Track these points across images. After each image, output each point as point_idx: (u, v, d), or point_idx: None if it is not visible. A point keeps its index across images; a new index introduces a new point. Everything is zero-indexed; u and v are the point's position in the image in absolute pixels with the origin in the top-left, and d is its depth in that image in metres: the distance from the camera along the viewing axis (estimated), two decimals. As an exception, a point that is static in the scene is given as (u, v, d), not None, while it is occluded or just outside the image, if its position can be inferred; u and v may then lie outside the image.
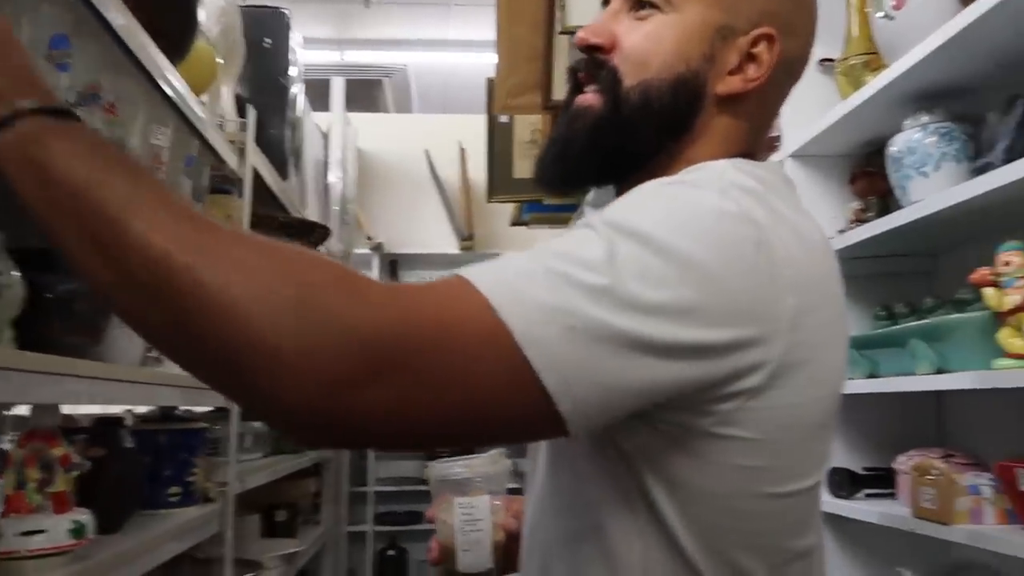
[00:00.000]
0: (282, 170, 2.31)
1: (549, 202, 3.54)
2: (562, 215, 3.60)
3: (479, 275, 0.55)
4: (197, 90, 1.44)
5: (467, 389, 0.53)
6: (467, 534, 0.90)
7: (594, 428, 0.56)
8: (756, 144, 0.74)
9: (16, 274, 0.89)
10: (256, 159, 1.97)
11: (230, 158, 1.72)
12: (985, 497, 1.22)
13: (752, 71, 0.70)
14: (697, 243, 0.56)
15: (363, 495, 4.13)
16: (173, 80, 1.27)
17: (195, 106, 1.39)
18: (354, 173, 4.25)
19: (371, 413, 0.51)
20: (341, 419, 0.51)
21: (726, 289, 0.55)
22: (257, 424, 2.40)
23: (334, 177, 3.74)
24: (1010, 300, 1.19)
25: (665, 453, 0.60)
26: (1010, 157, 1.23)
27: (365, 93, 5.43)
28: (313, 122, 3.47)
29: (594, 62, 0.71)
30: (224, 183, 1.78)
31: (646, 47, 0.69)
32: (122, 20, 1.07)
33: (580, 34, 0.71)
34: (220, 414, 1.88)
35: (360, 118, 4.49)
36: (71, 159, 0.52)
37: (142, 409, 1.69)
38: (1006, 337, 1.20)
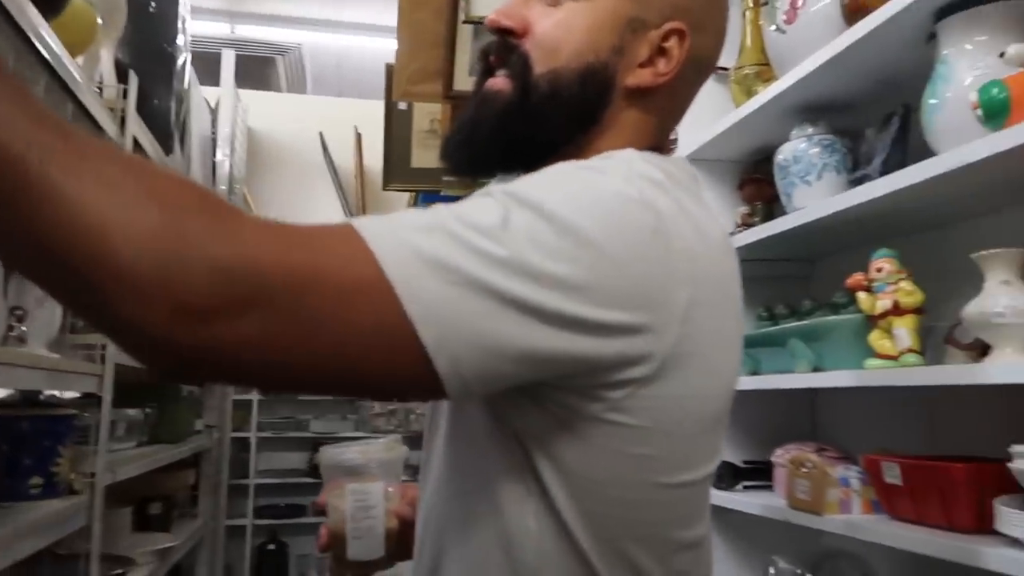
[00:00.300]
0: (166, 144, 2.18)
1: (446, 193, 3.52)
2: (458, 207, 3.59)
3: (366, 224, 0.53)
4: (73, 51, 1.34)
5: (339, 334, 0.51)
6: (359, 521, 0.88)
7: (472, 392, 0.55)
8: (663, 139, 0.76)
9: None
10: (137, 129, 1.85)
11: (108, 126, 1.61)
12: (854, 489, 1.30)
13: (662, 65, 0.71)
14: (595, 223, 0.55)
15: (243, 488, 4.00)
16: (47, 37, 1.17)
17: (71, 67, 1.29)
18: (243, 152, 4.09)
19: (233, 347, 0.49)
20: (201, 350, 0.48)
21: (619, 272, 0.55)
22: (131, 412, 2.27)
23: (222, 155, 3.58)
24: (881, 304, 1.27)
25: (554, 435, 0.60)
26: (885, 170, 1.31)
27: (257, 71, 5.22)
28: (201, 96, 3.30)
29: (505, 46, 0.71)
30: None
31: (557, 35, 0.69)
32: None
33: (492, 16, 0.71)
34: (89, 400, 1.77)
35: (251, 96, 4.32)
36: None
37: (1, 393, 1.56)
38: (876, 339, 1.28)
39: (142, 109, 1.92)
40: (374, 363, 0.53)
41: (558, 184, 0.59)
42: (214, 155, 3.56)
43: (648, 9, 0.70)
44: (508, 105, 0.70)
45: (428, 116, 3.36)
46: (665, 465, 0.62)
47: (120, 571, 2.01)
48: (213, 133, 3.60)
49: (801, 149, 1.53)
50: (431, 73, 2.93)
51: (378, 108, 3.42)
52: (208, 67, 3.69)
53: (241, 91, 4.07)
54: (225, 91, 3.74)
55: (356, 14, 4.94)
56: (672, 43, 0.70)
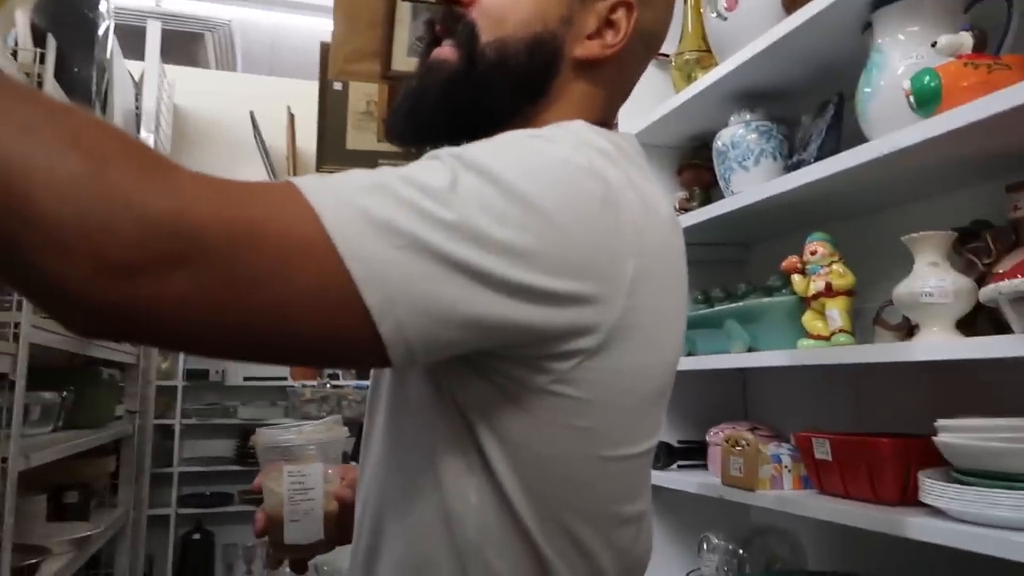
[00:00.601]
0: (87, 115, 2.08)
1: (382, 175, 3.46)
2: (395, 190, 3.54)
3: (308, 183, 0.51)
4: None
5: (277, 295, 0.48)
6: (297, 504, 0.86)
7: (417, 358, 0.53)
8: (611, 114, 0.75)
9: None
10: (55, 96, 1.76)
11: (25, 92, 1.52)
12: (785, 465, 1.33)
13: (610, 37, 0.70)
14: (544, 190, 0.55)
15: (167, 476, 3.87)
16: None
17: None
18: (169, 129, 3.94)
19: (162, 306, 0.46)
20: (126, 308, 0.45)
21: (568, 241, 0.55)
22: (47, 395, 2.16)
23: (146, 131, 3.44)
24: (814, 286, 1.30)
25: (498, 408, 0.59)
26: (820, 156, 1.34)
27: (184, 46, 5.03)
28: (125, 69, 3.16)
29: (451, 15, 0.70)
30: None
31: (504, 4, 0.69)
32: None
33: None
34: (1, 382, 1.67)
35: (178, 71, 4.16)
36: None
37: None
38: (809, 320, 1.31)
39: (60, 77, 1.83)
40: (315, 326, 0.50)
41: (507, 150, 0.58)
42: (138, 131, 3.42)
43: None
44: (454, 74, 0.69)
45: (364, 97, 3.30)
46: (608, 439, 0.62)
47: (34, 560, 1.91)
48: (137, 108, 3.46)
49: (739, 135, 1.56)
50: (368, 53, 2.87)
51: (312, 88, 3.33)
52: (133, 41, 3.53)
53: (167, 66, 3.92)
54: (150, 65, 3.59)
55: (289, -9, 4.81)
56: (620, 15, 0.70)
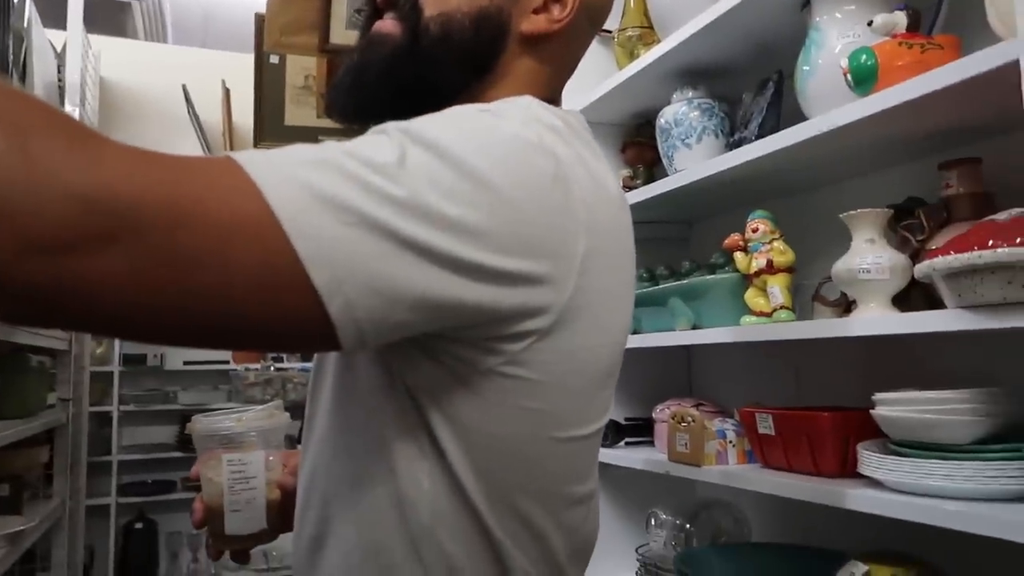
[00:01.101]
0: (1, 85, 1.96)
1: (322, 152, 3.39)
2: (336, 167, 3.47)
3: (249, 157, 0.48)
4: None
5: (218, 274, 0.46)
6: (237, 493, 0.83)
7: (367, 340, 0.51)
8: (557, 90, 0.74)
9: None
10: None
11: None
12: (730, 440, 1.35)
13: (557, 11, 0.70)
14: (494, 166, 0.53)
15: (106, 464, 3.76)
16: None
17: None
18: (95, 103, 3.77)
19: (91, 286, 0.43)
20: (53, 289, 0.42)
21: (518, 217, 0.54)
22: (-29, 387, 2.06)
23: (71, 104, 3.28)
24: (756, 263, 1.32)
25: (449, 391, 0.58)
26: (761, 134, 1.35)
27: (110, 15, 4.81)
28: (45, 38, 3.00)
29: None
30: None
31: None
32: None
33: None
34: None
35: (104, 42, 3.98)
36: None
37: None
38: (752, 297, 1.33)
39: (-29, 46, 1.72)
40: (259, 307, 0.48)
41: (456, 124, 0.56)
42: (62, 104, 3.26)
43: None
44: (397, 48, 0.67)
45: (302, 71, 3.20)
46: (559, 420, 0.62)
47: (-38, 559, 1.84)
48: (60, 80, 3.29)
49: (682, 112, 1.56)
50: (305, 25, 2.79)
51: (248, 61, 3.23)
52: (53, 10, 3.36)
53: (92, 36, 3.74)
54: (72, 34, 3.41)
55: (221, -40, 4.64)
56: None
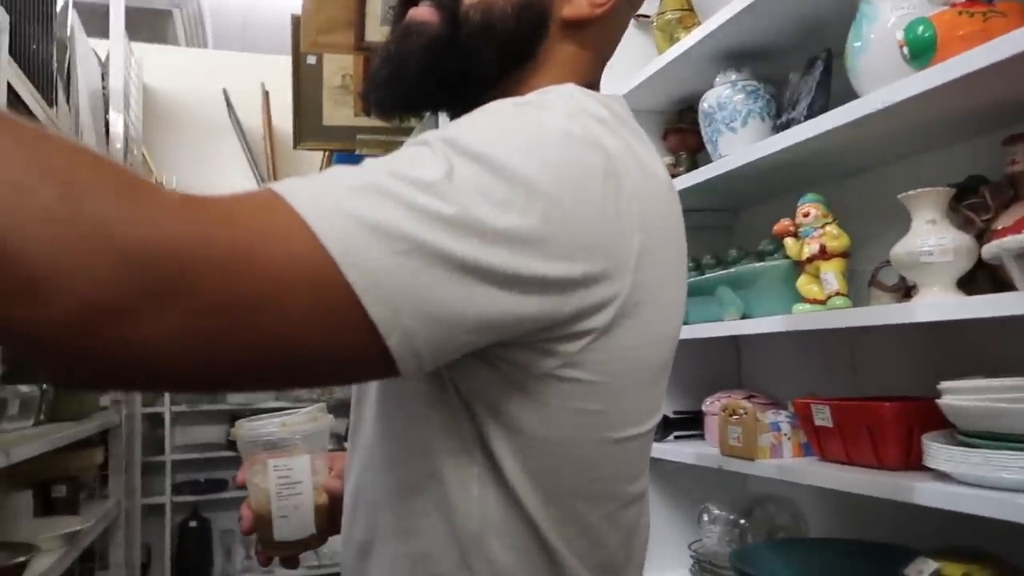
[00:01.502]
0: (48, 94, 1.99)
1: (362, 152, 3.40)
2: (375, 165, 3.48)
3: (294, 189, 0.46)
4: None
5: (276, 318, 0.44)
6: (285, 499, 0.82)
7: (426, 367, 0.49)
8: (597, 75, 0.72)
9: None
10: (11, 74, 1.68)
11: (-26, 68, 1.44)
12: (784, 433, 1.31)
13: None
14: (543, 168, 0.51)
15: (159, 464, 3.83)
16: None
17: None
18: (139, 109, 3.83)
19: (154, 348, 0.42)
20: (114, 355, 0.41)
21: (573, 219, 0.51)
22: (25, 388, 2.11)
23: (116, 112, 3.33)
24: (808, 249, 1.27)
25: (504, 396, 0.56)
26: (810, 115, 1.30)
27: (150, 23, 4.90)
28: (89, 47, 3.05)
29: None
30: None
31: None
32: None
33: None
34: (-23, 379, 1.62)
35: (146, 49, 4.04)
36: None
37: None
38: (804, 284, 1.28)
39: (17, 53, 1.74)
40: (318, 346, 0.46)
41: (499, 127, 0.54)
42: (106, 112, 3.32)
43: None
44: (436, 39, 0.64)
45: (339, 71, 3.22)
46: (615, 420, 0.60)
47: (22, 559, 1.88)
48: (104, 88, 3.35)
49: (726, 96, 1.51)
50: (341, 23, 2.79)
51: (286, 64, 3.25)
52: (96, 20, 3.42)
53: (135, 44, 3.80)
54: (115, 42, 3.47)
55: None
56: None
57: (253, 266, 0.44)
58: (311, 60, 3.22)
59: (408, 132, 2.97)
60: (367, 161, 0.51)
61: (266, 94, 4.22)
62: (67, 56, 2.29)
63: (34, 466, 2.06)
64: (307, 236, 0.45)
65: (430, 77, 0.65)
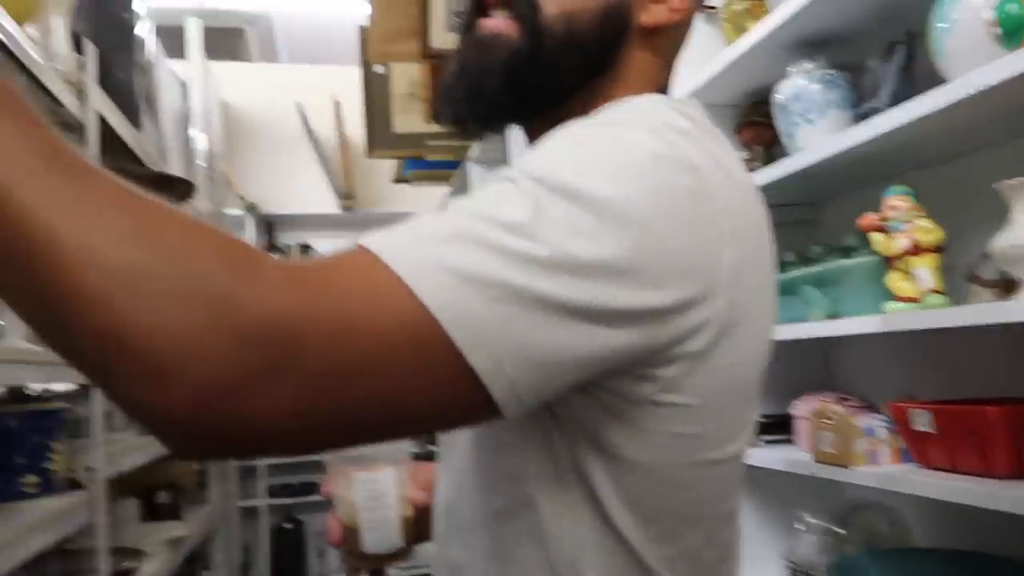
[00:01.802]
0: (134, 118, 2.08)
1: (431, 158, 3.43)
2: (444, 172, 3.50)
3: (386, 246, 0.47)
4: (19, 16, 1.24)
5: (383, 380, 0.45)
6: (372, 512, 0.83)
7: (531, 409, 0.50)
8: (669, 81, 0.70)
9: None
10: (101, 102, 1.75)
11: (68, 100, 1.52)
12: (880, 438, 1.25)
13: (677, 0, 0.65)
14: (632, 194, 0.50)
15: (253, 469, 3.97)
16: None
17: (20, 37, 1.20)
18: (220, 127, 3.97)
19: (270, 418, 0.43)
20: (234, 429, 0.43)
21: (666, 245, 0.50)
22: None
23: (197, 131, 3.46)
24: (897, 244, 1.21)
25: (599, 422, 0.55)
26: (894, 102, 1.24)
27: (225, 42, 5.06)
28: (169, 69, 3.17)
29: None
30: (65, 132, 1.57)
31: None
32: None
33: None
34: (82, 391, 1.71)
35: (223, 67, 4.18)
36: None
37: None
38: (895, 281, 1.22)
39: (103, 82, 1.82)
40: (424, 403, 0.47)
41: (583, 153, 0.53)
42: (188, 131, 3.44)
43: None
44: (516, 53, 0.63)
45: (407, 79, 3.26)
46: (712, 441, 0.58)
47: (131, 564, 1.97)
48: (186, 109, 3.48)
49: (801, 86, 1.46)
50: (406, 32, 2.82)
51: (355, 75, 3.31)
52: (171, 40, 3.55)
53: (211, 63, 3.93)
54: (194, 64, 3.60)
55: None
56: None
57: (357, 331, 0.45)
58: (379, 69, 3.27)
59: (475, 137, 2.98)
60: (454, 205, 0.50)
61: (338, 105, 4.30)
62: (149, 80, 2.38)
63: (139, 474, 2.16)
64: (405, 294, 0.45)
65: (511, 92, 0.64)
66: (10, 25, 1.14)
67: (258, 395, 0.42)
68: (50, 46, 1.49)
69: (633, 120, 0.55)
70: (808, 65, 1.47)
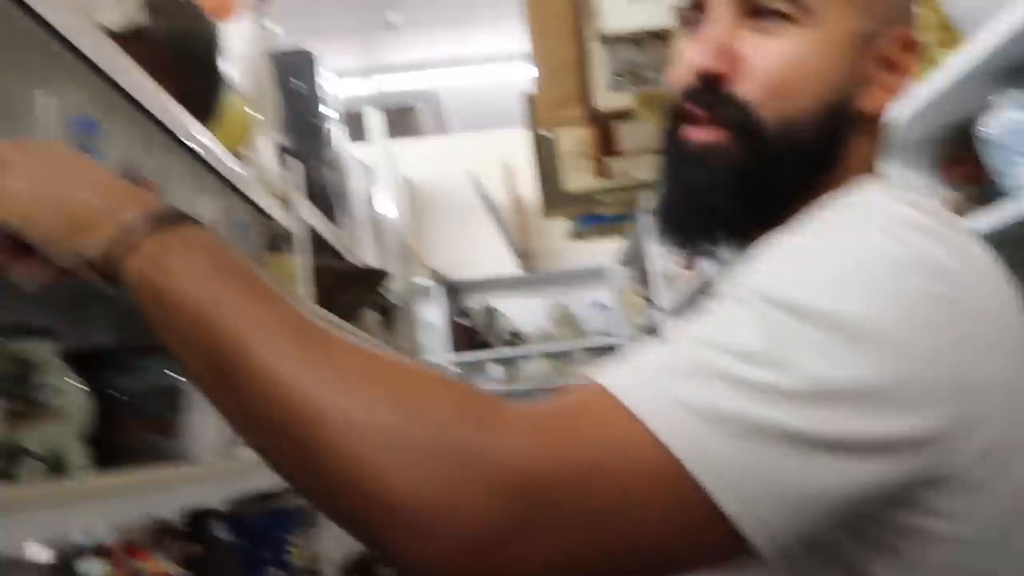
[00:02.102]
0: (330, 215, 2.25)
1: (603, 213, 3.46)
2: (617, 225, 3.52)
3: (621, 385, 0.46)
4: (233, 146, 1.38)
5: (632, 526, 0.45)
6: None
7: (786, 549, 0.47)
8: (878, 162, 0.65)
9: (79, 385, 0.82)
10: (307, 210, 1.91)
11: (278, 213, 1.67)
12: None
13: (894, 82, 0.60)
14: (875, 307, 0.46)
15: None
16: (209, 144, 1.20)
17: (235, 166, 1.34)
18: (405, 204, 4.21)
19: (527, 567, 0.44)
20: None
21: (920, 362, 0.46)
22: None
23: (384, 210, 3.69)
24: None
25: (858, 553, 0.51)
26: None
27: (398, 121, 5.42)
28: (354, 156, 3.43)
29: (711, 93, 0.59)
30: (276, 240, 1.73)
31: (784, 73, 0.58)
32: (152, 96, 1.01)
33: (696, 60, 0.60)
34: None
35: (400, 145, 4.46)
36: (188, 281, 0.47)
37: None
38: None
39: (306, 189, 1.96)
40: (673, 545, 0.47)
41: (817, 267, 0.49)
42: (375, 211, 3.68)
43: (874, 18, 0.59)
44: (739, 168, 0.60)
45: (573, 139, 3.33)
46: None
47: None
48: (370, 190, 3.73)
49: (1015, 120, 1.33)
50: (572, 97, 2.89)
51: (519, 135, 3.42)
52: (352, 124, 3.83)
53: (389, 142, 4.20)
54: (376, 148, 3.87)
55: (485, 46, 5.00)
56: (902, 54, 0.60)
57: (604, 479, 0.45)
58: (546, 132, 3.37)
59: (645, 189, 2.97)
60: (679, 332, 0.49)
61: (509, 169, 4.45)
62: (338, 173, 2.54)
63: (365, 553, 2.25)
64: (648, 439, 0.45)
65: (742, 209, 0.61)
66: (224, 153, 1.27)
67: (514, 548, 0.43)
68: (260, 164, 1.65)
69: (864, 222, 0.52)
70: (1018, 95, 1.34)
